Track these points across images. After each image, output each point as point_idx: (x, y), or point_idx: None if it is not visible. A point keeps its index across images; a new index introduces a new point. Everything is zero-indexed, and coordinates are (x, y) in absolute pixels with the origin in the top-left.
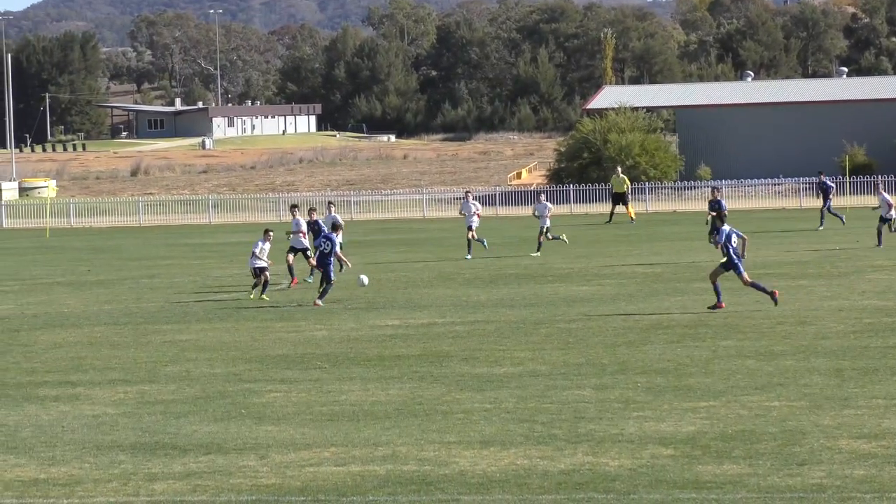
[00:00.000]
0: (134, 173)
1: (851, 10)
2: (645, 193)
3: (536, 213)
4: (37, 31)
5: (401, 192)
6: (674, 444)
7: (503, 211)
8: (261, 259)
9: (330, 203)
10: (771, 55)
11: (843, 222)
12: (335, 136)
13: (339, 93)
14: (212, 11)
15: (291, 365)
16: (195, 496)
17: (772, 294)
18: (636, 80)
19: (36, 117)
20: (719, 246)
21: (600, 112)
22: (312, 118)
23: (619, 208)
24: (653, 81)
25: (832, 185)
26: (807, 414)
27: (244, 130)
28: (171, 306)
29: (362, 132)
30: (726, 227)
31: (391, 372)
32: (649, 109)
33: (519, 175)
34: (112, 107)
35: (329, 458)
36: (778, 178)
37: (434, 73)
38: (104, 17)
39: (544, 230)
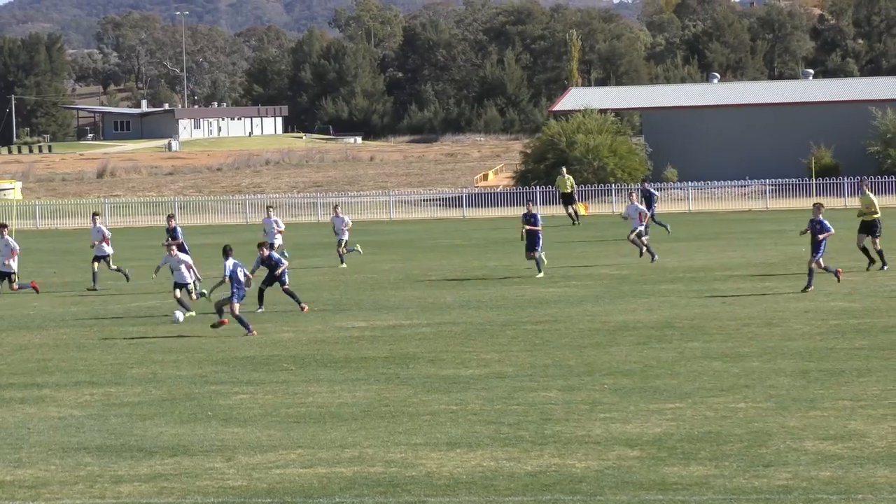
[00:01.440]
0: (100, 175)
1: (818, 11)
2: (612, 195)
3: (625, 215)
4: (2, 32)
5: (367, 194)
6: (640, 446)
7: (469, 213)
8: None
9: (269, 207)
10: (737, 57)
11: (668, 231)
12: (302, 137)
13: (306, 94)
14: (178, 13)
15: (258, 367)
16: (161, 498)
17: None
18: (603, 82)
19: (1, 119)
20: None
21: (567, 114)
22: (279, 120)
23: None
24: (619, 83)
25: (656, 193)
26: (773, 415)
27: (210, 132)
28: (136, 308)
29: (329, 134)
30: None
31: (358, 374)
32: (616, 112)
33: (486, 177)
34: (78, 108)
35: (296, 460)
36: (745, 179)
37: (401, 74)
38: (70, 18)
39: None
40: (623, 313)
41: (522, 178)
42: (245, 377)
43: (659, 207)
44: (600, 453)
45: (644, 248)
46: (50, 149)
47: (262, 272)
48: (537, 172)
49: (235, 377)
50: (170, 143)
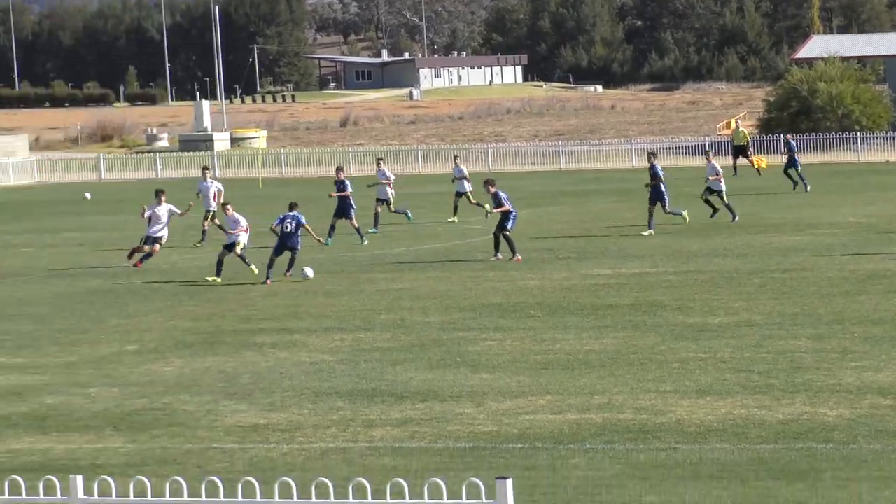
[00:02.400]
0: (343, 124)
1: None
2: (856, 143)
3: None
4: None
5: (609, 143)
6: (893, 394)
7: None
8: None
9: (455, 156)
10: None
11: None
12: (542, 86)
13: (545, 43)
14: None
15: (505, 313)
16: (413, 442)
17: None
18: (844, 30)
19: (245, 69)
20: None
21: (809, 62)
22: (518, 69)
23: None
24: (860, 31)
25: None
26: None
27: (451, 81)
28: (383, 255)
29: (569, 83)
30: None
31: (605, 321)
32: (859, 59)
33: (728, 124)
34: (320, 58)
35: (545, 406)
36: None
37: (639, 23)
38: None
39: None
40: (871, 262)
41: (766, 126)
42: (493, 324)
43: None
44: (852, 402)
45: (720, 209)
46: (293, 98)
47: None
48: (781, 120)
49: (483, 324)
50: (411, 93)
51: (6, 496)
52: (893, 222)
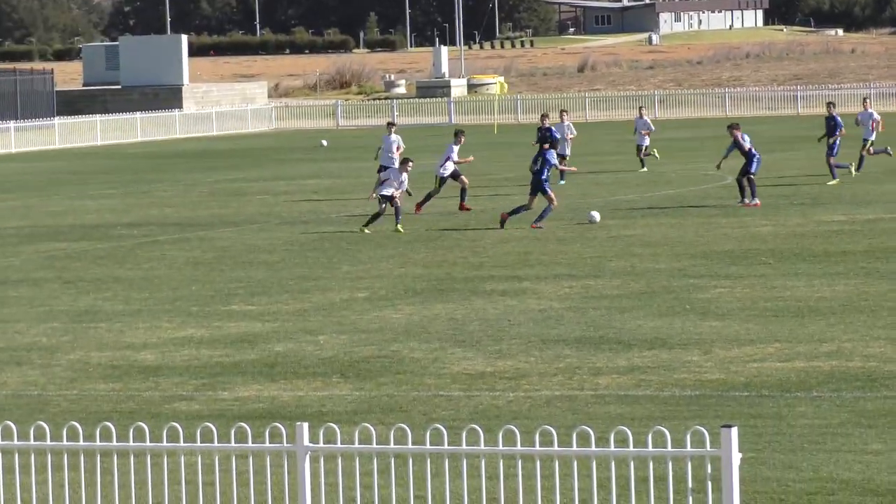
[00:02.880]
0: (581, 69)
1: None
2: None
3: None
4: None
5: (848, 87)
6: None
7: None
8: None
9: (563, 111)
10: None
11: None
12: (782, 30)
13: None
14: None
15: (736, 260)
16: (639, 391)
17: None
18: None
19: (485, 14)
20: None
21: None
22: (759, 13)
23: None
24: None
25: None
26: None
27: (690, 25)
28: (616, 202)
29: (809, 26)
30: None
31: (837, 268)
32: None
33: None
34: (560, 3)
35: (773, 354)
36: None
37: None
38: None
39: None
40: None
41: None
42: (723, 271)
43: None
44: None
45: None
46: (532, 43)
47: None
48: None
49: (714, 270)
50: (650, 37)
51: (233, 443)
52: None
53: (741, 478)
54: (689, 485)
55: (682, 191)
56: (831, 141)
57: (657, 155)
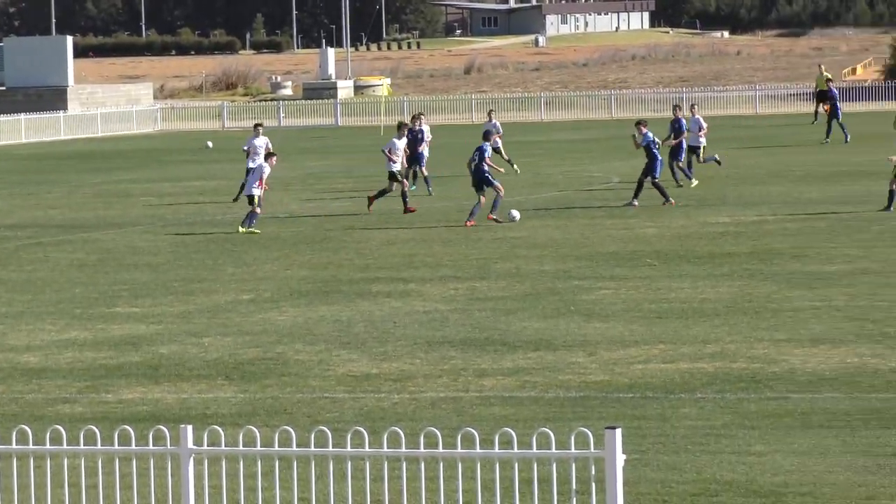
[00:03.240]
0: (467, 71)
1: None
2: None
3: None
4: None
5: (734, 89)
6: None
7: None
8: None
9: (490, 111)
10: None
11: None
12: (668, 32)
13: None
14: None
15: (621, 262)
16: (524, 392)
17: None
18: None
19: (371, 16)
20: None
21: None
22: (645, 14)
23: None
24: None
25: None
26: None
27: (577, 27)
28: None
29: (696, 28)
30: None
31: (721, 269)
32: None
33: (854, 71)
34: (446, 5)
35: (658, 355)
36: None
37: None
38: None
39: None
40: None
41: (892, 72)
42: (608, 272)
43: None
44: None
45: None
46: (418, 45)
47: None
48: None
49: (598, 272)
50: (536, 39)
51: (116, 446)
52: None
53: (625, 479)
54: (574, 486)
55: (567, 192)
56: (674, 143)
57: (517, 169)
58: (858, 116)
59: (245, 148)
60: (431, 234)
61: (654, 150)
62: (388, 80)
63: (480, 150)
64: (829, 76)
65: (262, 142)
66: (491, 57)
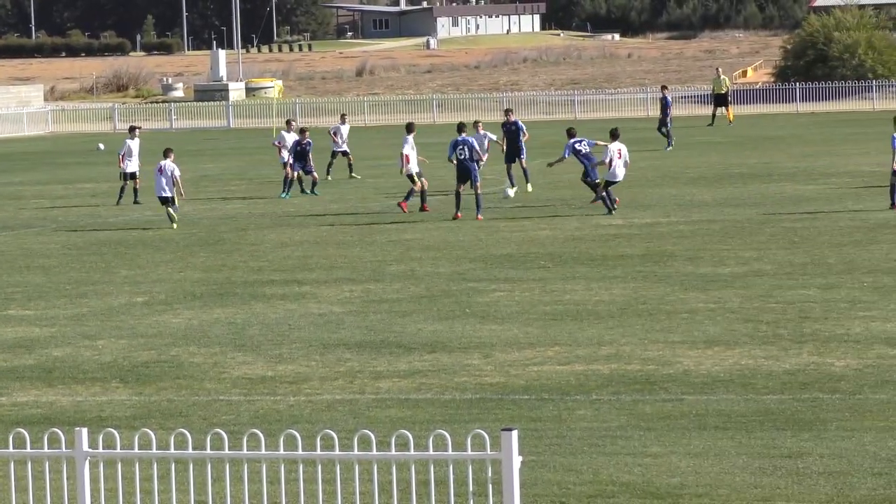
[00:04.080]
0: (359, 73)
1: None
2: (872, 91)
3: None
4: None
5: (625, 91)
6: None
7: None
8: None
9: (343, 115)
10: None
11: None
12: (559, 35)
13: None
14: None
15: (515, 264)
16: (420, 394)
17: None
18: None
19: (262, 18)
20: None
21: (826, 9)
22: (536, 17)
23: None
24: None
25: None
26: None
27: (468, 30)
28: (394, 206)
29: (587, 31)
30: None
31: (615, 271)
32: (876, 6)
33: (744, 73)
34: (337, 7)
35: (553, 357)
36: None
37: None
38: None
39: None
40: (883, 211)
41: (782, 74)
42: (502, 274)
43: None
44: (860, 352)
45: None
46: (310, 47)
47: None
48: (797, 68)
49: (493, 274)
50: (428, 42)
51: (10, 449)
52: None
53: (521, 481)
54: (471, 488)
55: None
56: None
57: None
58: (750, 119)
59: (120, 153)
60: (326, 237)
61: (579, 156)
62: (280, 82)
63: (467, 143)
64: (727, 81)
65: (136, 144)
66: (383, 59)
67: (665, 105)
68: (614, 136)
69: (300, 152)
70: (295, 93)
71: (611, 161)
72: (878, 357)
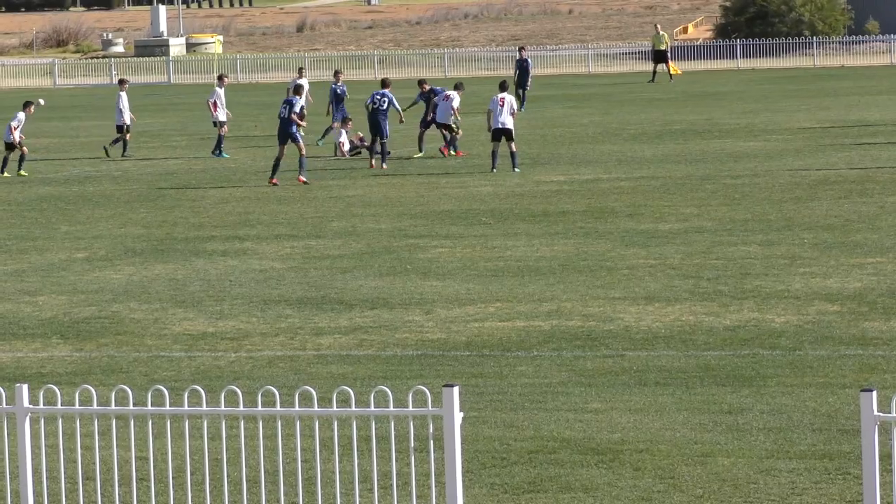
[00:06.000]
0: (300, 29)
1: None
2: (812, 48)
3: None
4: None
5: (566, 48)
6: (840, 301)
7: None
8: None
9: (301, 68)
10: None
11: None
12: None
13: None
14: None
15: (457, 220)
16: (361, 350)
17: None
18: None
19: None
20: None
21: None
22: None
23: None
24: None
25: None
26: None
27: None
28: (336, 161)
29: None
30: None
31: (556, 227)
32: None
33: (685, 30)
34: None
35: (494, 314)
36: None
37: None
38: None
39: None
40: (823, 167)
41: (723, 31)
42: (444, 231)
43: (862, 59)
44: (800, 308)
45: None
46: (251, 3)
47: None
48: (737, 25)
49: (434, 231)
50: None
51: None
52: (847, 128)
53: (463, 437)
54: (412, 444)
55: (401, 150)
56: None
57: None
58: (690, 76)
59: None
60: (267, 193)
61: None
62: (221, 38)
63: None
64: (666, 37)
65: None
66: (324, 15)
67: (525, 67)
68: (502, 87)
69: (339, 97)
70: (236, 48)
71: (490, 112)
72: (818, 313)
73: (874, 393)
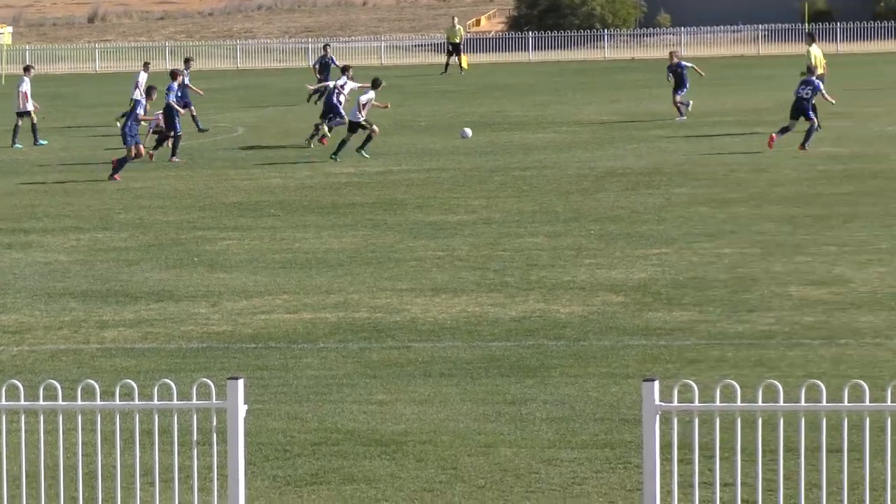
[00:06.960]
0: (91, 20)
1: None
2: (603, 41)
3: None
4: None
5: (359, 39)
6: (624, 291)
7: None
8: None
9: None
10: None
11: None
12: None
13: None
14: None
15: (245, 212)
16: (146, 343)
17: None
18: None
19: None
20: None
21: None
22: None
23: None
24: None
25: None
26: (758, 261)
27: None
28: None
29: None
30: None
31: (345, 220)
32: None
33: (478, 22)
34: None
35: (281, 306)
36: (737, 24)
37: None
38: None
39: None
40: (611, 159)
41: (515, 24)
42: (232, 223)
43: (653, 52)
44: (585, 299)
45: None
46: None
47: None
48: (530, 17)
49: (222, 223)
50: None
51: None
52: (636, 120)
53: (247, 429)
54: (195, 437)
55: (191, 143)
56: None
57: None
58: (482, 68)
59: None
60: (54, 185)
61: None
62: (10, 29)
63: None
64: (461, 29)
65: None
66: (115, 5)
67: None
68: (375, 85)
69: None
70: (26, 39)
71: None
72: (603, 303)
73: (656, 382)
